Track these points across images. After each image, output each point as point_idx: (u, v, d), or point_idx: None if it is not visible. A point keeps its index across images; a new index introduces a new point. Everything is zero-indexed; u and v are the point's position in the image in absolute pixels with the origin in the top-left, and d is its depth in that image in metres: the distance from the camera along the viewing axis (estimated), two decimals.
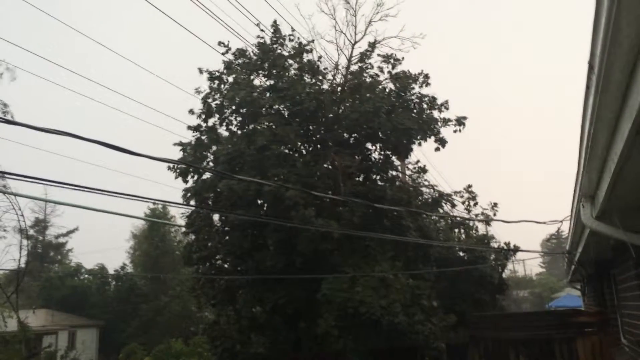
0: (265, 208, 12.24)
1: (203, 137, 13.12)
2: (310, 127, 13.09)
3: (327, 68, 13.55)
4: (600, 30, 2.12)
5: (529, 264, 60.70)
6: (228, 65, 13.26)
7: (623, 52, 2.11)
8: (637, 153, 2.87)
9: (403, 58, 13.47)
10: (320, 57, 13.43)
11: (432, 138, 13.17)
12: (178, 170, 12.52)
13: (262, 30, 13.14)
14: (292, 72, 13.10)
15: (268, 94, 12.81)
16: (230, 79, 13.14)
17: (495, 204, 15.39)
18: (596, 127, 2.90)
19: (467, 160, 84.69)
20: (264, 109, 12.55)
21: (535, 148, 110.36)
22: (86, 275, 33.04)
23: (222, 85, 13.18)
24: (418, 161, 15.21)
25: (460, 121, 13.17)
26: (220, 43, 13.11)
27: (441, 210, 14.26)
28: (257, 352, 12.33)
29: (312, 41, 13.31)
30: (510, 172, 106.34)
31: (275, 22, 13.20)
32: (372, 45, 13.39)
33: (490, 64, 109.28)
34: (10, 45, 11.49)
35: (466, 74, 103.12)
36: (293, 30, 13.32)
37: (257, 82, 13.28)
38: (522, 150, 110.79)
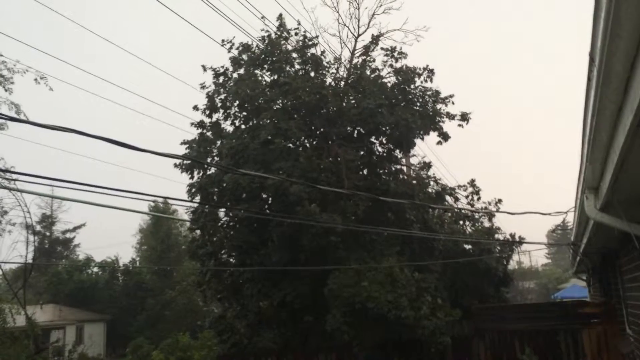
0: (269, 202, 12.27)
1: (207, 133, 13.18)
2: (314, 121, 13.11)
3: (330, 62, 13.54)
4: (600, 23, 2.11)
5: (534, 255, 60.75)
6: (235, 61, 13.28)
7: (623, 45, 2.11)
8: (639, 145, 2.86)
9: (406, 53, 13.45)
10: (323, 51, 13.43)
11: (436, 132, 13.17)
12: (184, 167, 12.66)
13: (276, 24, 13.18)
14: (296, 66, 13.10)
15: (271, 89, 12.82)
16: (236, 75, 13.17)
17: (499, 200, 15.27)
18: (598, 119, 2.89)
19: (474, 152, 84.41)
20: (267, 103, 12.57)
21: (542, 140, 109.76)
22: (95, 269, 33.29)
23: (227, 82, 13.21)
24: (424, 156, 15.22)
25: (465, 116, 13.15)
26: (223, 41, 13.12)
27: (446, 204, 14.26)
28: (265, 347, 12.40)
29: (317, 37, 13.36)
30: (518, 164, 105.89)
31: (280, 15, 13.17)
32: (376, 38, 13.34)
33: (496, 56, 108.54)
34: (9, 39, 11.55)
35: (472, 65, 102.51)
36: (299, 24, 13.32)
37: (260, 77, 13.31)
38: (529, 142, 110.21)
